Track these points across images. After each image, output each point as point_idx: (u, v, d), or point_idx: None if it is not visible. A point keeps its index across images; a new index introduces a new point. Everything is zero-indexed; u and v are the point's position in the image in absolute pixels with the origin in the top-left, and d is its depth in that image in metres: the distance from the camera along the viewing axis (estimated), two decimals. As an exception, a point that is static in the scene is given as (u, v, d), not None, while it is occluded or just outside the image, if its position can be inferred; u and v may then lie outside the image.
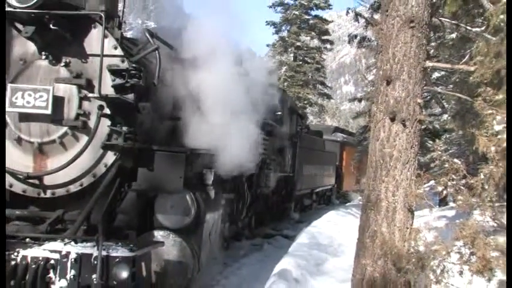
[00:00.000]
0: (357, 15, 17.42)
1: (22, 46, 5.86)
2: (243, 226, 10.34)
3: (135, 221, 5.88)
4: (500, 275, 4.77)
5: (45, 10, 5.45)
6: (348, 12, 17.64)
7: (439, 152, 5.88)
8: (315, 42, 36.92)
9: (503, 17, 6.04)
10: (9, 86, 5.64)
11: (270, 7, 36.48)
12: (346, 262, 8.44)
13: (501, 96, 5.13)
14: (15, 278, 4.85)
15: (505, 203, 4.95)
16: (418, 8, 6.01)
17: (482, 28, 7.15)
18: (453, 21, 7.56)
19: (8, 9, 5.52)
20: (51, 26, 5.58)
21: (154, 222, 5.87)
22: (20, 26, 5.74)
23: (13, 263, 4.92)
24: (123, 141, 5.70)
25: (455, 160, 5.46)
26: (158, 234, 5.78)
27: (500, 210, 5.02)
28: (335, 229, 12.30)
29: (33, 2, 5.39)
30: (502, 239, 4.79)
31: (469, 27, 7.64)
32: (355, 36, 19.86)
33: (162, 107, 6.43)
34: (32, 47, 5.83)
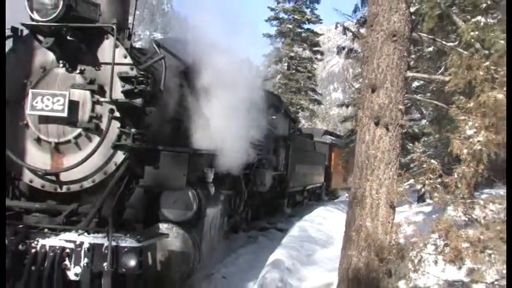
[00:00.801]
0: (345, 29, 17.50)
1: (43, 55, 5.91)
2: (240, 220, 10.35)
3: (141, 215, 5.90)
4: (469, 264, 4.82)
5: (63, 23, 5.50)
6: (336, 26, 17.68)
7: (418, 154, 5.92)
8: (307, 53, 36.93)
9: (473, 33, 6.10)
10: (30, 91, 5.69)
11: (266, 21, 36.47)
12: (334, 253, 8.47)
13: (472, 104, 5.18)
14: (36, 264, 4.89)
15: (475, 200, 5.01)
16: (399, 23, 6.07)
17: (456, 43, 7.20)
18: (430, 36, 7.61)
19: (31, 22, 5.60)
20: (68, 37, 5.63)
21: (159, 216, 5.88)
22: (41, 38, 5.78)
23: (33, 250, 4.95)
24: (132, 142, 5.73)
25: (432, 161, 5.49)
26: (163, 227, 5.79)
27: (471, 206, 5.07)
28: (324, 223, 12.33)
29: (53, 16, 5.45)
30: (471, 232, 4.84)
31: (444, 42, 7.68)
32: (343, 48, 19.92)
33: (167, 110, 6.45)
34: (51, 56, 5.87)
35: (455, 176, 5.17)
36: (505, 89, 5.02)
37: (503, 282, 4.61)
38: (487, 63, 5.32)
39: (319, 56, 38.34)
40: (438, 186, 5.28)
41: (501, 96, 4.91)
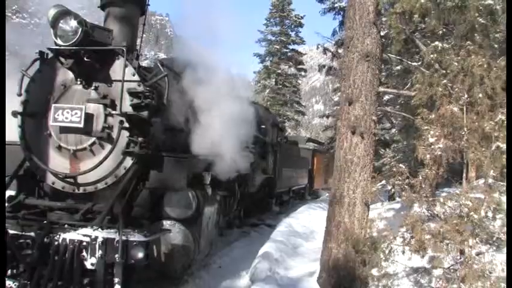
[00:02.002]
0: (325, 50, 17.67)
1: (63, 74, 6.01)
2: (234, 217, 10.38)
3: (148, 213, 5.94)
4: (431, 253, 4.91)
5: (81, 47, 5.62)
6: (318, 47, 17.83)
7: (389, 159, 6.04)
8: (292, 70, 37.01)
9: (433, 56, 6.24)
10: (53, 106, 5.81)
11: (257, 42, 36.59)
12: (316, 246, 8.55)
13: (433, 115, 5.30)
14: (58, 255, 4.96)
15: (436, 198, 5.11)
16: (372, 46, 6.20)
17: (419, 63, 7.35)
18: (398, 57, 7.77)
19: (55, 47, 5.73)
20: (85, 58, 5.74)
21: (163, 214, 5.92)
22: (62, 59, 5.90)
23: (56, 243, 5.03)
24: (139, 149, 5.79)
25: (401, 165, 5.59)
26: (166, 223, 5.83)
27: (433, 203, 5.17)
28: (308, 219, 12.39)
29: (73, 41, 5.58)
30: (433, 225, 4.94)
31: (409, 62, 7.84)
32: (324, 66, 20.12)
33: (169, 121, 6.51)
34: (70, 75, 5.97)
35: (420, 177, 5.28)
36: (480, 95, 5.14)
37: (457, 267, 4.72)
38: (445, 81, 5.46)
39: (302, 73, 38.48)
40: (406, 186, 5.38)
41: (456, 109, 5.05)
